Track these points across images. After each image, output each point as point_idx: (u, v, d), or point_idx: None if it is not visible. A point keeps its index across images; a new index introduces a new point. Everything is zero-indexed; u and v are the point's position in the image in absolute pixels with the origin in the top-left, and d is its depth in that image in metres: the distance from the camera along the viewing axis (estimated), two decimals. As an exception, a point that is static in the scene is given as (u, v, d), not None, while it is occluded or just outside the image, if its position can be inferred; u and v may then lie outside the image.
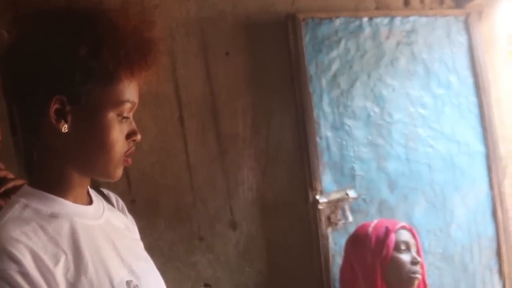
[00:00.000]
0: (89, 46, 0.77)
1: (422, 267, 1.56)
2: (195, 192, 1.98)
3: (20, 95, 0.81)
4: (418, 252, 1.58)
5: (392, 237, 1.55)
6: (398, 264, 1.53)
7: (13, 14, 0.82)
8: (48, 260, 0.73)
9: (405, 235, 1.58)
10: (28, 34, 0.79)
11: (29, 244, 0.72)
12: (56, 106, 0.78)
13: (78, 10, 0.80)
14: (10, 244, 0.71)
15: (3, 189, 1.10)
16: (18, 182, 1.15)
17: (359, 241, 1.63)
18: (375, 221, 1.65)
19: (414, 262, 1.53)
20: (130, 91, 0.82)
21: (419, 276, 1.53)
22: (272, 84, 2.04)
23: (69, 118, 0.79)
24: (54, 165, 0.82)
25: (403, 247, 1.55)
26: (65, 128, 0.78)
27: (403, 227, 1.60)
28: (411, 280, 1.52)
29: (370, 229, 1.61)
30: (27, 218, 0.77)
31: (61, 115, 0.78)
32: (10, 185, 1.12)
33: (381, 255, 1.54)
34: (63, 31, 0.77)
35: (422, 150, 2.18)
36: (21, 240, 0.72)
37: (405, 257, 1.54)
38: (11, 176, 1.13)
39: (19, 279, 0.69)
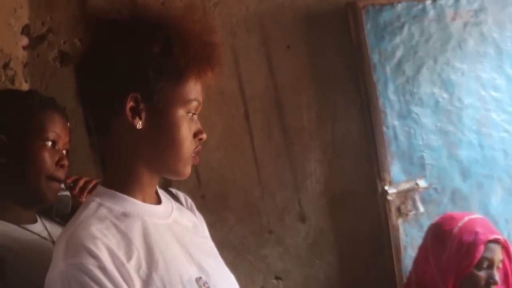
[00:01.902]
0: (162, 45, 0.82)
1: None
2: (263, 186, 2.00)
3: (96, 96, 0.85)
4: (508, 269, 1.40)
5: (480, 250, 1.35)
6: (473, 281, 1.37)
7: (86, 24, 0.87)
8: (122, 256, 0.76)
9: (493, 251, 1.37)
10: (104, 39, 0.84)
11: (105, 240, 0.76)
12: (131, 104, 0.82)
13: (148, 15, 0.85)
14: (88, 240, 0.75)
15: (86, 191, 1.18)
16: (95, 182, 1.22)
17: (440, 235, 1.45)
18: (465, 219, 1.43)
19: (490, 282, 1.36)
20: (196, 90, 0.86)
21: None
22: (335, 75, 2.02)
23: (143, 115, 0.83)
24: (125, 164, 0.86)
25: (485, 264, 1.36)
26: (139, 124, 0.82)
27: (496, 240, 1.38)
28: None
29: (456, 229, 1.40)
30: (101, 216, 0.81)
31: (135, 113, 0.83)
32: (82, 182, 1.20)
33: (459, 264, 1.37)
34: (137, 33, 0.82)
35: (496, 136, 2.06)
36: (97, 236, 0.76)
37: (483, 274, 1.36)
38: (75, 176, 1.20)
39: (98, 273, 0.73)
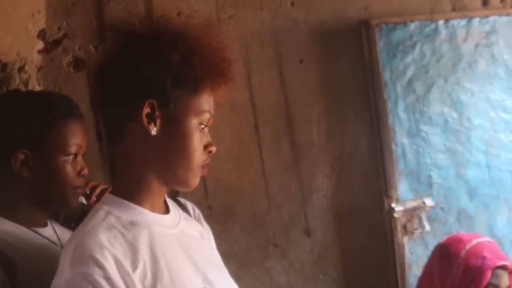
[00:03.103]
0: (182, 54, 0.84)
1: None
2: (270, 199, 2.01)
3: (114, 101, 0.86)
4: None
5: (487, 276, 1.31)
6: None
7: (108, 32, 0.89)
8: (127, 266, 0.77)
9: (500, 277, 1.33)
10: (126, 46, 0.86)
11: (112, 250, 0.77)
12: (147, 110, 0.84)
13: (169, 28, 0.87)
14: (95, 250, 0.76)
15: (97, 193, 1.20)
16: (104, 186, 1.24)
17: (446, 257, 1.42)
18: (473, 242, 1.40)
19: None
20: (209, 103, 0.88)
21: None
22: (346, 91, 2.03)
23: (157, 122, 0.84)
24: (135, 171, 0.86)
25: None
26: (154, 131, 0.84)
27: (503, 267, 1.34)
28: None
29: (463, 253, 1.37)
30: (109, 225, 0.82)
31: (151, 119, 0.84)
32: (98, 190, 1.20)
33: None
34: (159, 42, 0.84)
35: (504, 157, 2.07)
36: (104, 246, 0.77)
37: None
38: (94, 183, 1.21)
39: (103, 283, 0.74)
